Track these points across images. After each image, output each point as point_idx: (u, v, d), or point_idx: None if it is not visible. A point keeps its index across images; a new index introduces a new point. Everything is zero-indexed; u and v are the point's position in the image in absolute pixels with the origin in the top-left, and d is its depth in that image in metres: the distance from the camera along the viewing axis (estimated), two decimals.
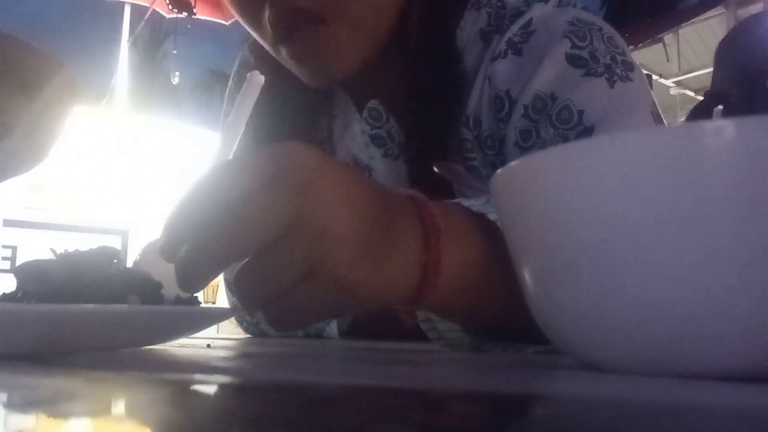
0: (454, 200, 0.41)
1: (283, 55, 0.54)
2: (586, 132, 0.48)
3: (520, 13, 0.55)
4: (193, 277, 0.31)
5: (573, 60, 0.50)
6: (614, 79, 0.50)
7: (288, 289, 0.31)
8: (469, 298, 0.38)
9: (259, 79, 0.37)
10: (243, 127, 0.40)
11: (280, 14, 0.50)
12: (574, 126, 0.49)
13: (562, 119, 0.49)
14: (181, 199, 0.32)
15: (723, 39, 1.37)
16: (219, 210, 0.30)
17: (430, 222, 0.35)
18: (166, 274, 0.36)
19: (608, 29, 0.53)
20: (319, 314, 0.35)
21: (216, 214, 0.30)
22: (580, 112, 0.49)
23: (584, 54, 0.50)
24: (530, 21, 0.54)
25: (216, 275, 0.32)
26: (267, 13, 0.51)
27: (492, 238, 0.36)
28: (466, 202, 0.40)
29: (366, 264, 0.32)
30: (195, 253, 0.30)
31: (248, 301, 0.32)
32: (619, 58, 0.51)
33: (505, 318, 0.37)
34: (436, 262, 0.35)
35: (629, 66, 0.51)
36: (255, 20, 0.53)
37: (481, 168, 0.56)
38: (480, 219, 0.38)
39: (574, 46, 0.51)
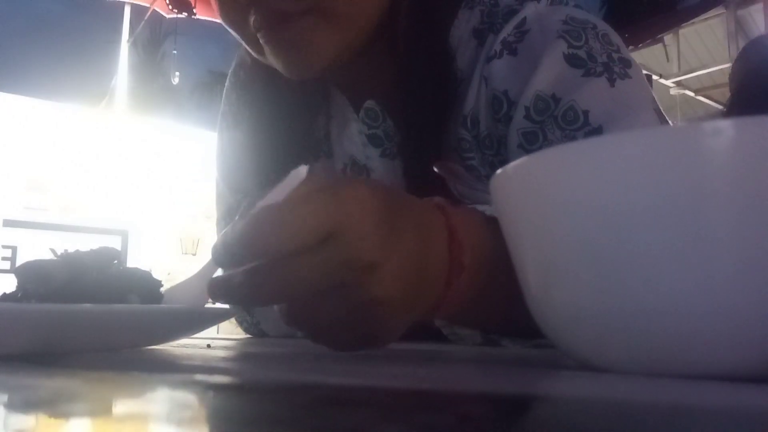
0: (471, 206, 0.42)
1: (263, 49, 0.54)
2: (594, 132, 0.48)
3: (513, 12, 0.55)
4: (229, 264, 0.32)
5: (571, 60, 0.50)
6: (614, 77, 0.50)
7: (310, 300, 0.32)
8: (482, 314, 0.40)
9: (302, 173, 0.33)
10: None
11: (264, 19, 0.50)
12: (581, 126, 0.49)
13: (568, 120, 0.49)
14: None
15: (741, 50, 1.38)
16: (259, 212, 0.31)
17: (457, 257, 0.37)
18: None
19: (602, 26, 0.53)
20: (336, 333, 0.35)
21: (255, 216, 0.31)
22: (585, 113, 0.49)
23: (581, 53, 0.51)
24: (524, 20, 0.54)
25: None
26: (252, 19, 0.51)
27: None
28: (480, 208, 0.41)
29: (400, 285, 0.33)
30: (228, 247, 0.31)
31: (258, 299, 0.32)
32: (615, 55, 0.51)
33: (515, 319, 0.38)
34: (452, 297, 0.37)
35: (627, 63, 0.52)
36: (240, 25, 0.53)
37: (480, 168, 0.56)
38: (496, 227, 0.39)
39: (570, 45, 0.51)
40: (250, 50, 0.56)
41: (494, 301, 0.38)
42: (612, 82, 0.50)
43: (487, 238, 0.38)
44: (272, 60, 0.54)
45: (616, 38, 0.53)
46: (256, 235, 0.30)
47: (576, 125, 0.49)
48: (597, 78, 0.50)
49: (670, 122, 0.53)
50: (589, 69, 0.50)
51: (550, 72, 0.50)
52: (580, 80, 0.50)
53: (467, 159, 0.56)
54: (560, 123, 0.50)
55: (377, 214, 0.32)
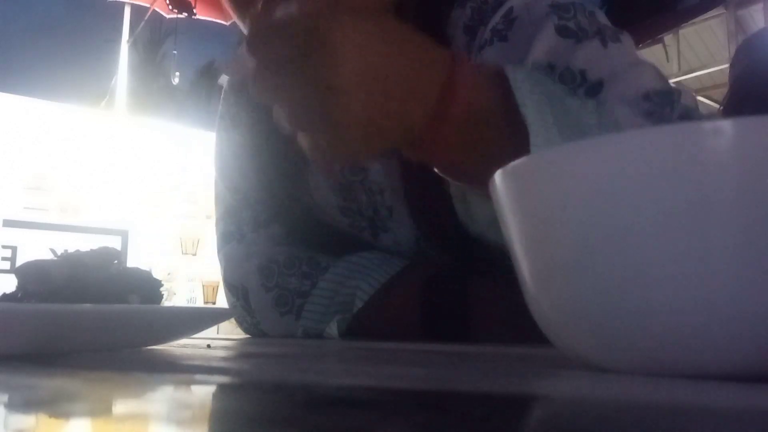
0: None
1: None
2: (596, 86, 0.49)
3: (500, 4, 0.56)
4: None
5: (562, 31, 0.52)
6: (606, 40, 0.51)
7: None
8: (468, 160, 0.42)
9: None
10: None
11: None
12: (580, 84, 0.49)
13: (565, 81, 0.50)
14: None
15: (741, 43, 1.38)
16: None
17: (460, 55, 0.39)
18: None
19: (589, 6, 0.54)
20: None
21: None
22: (582, 72, 0.50)
23: (571, 25, 0.51)
24: (511, 9, 0.55)
25: None
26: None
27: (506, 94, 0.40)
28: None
29: (359, 80, 0.36)
30: None
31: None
32: (605, 28, 0.52)
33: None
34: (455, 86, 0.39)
35: (617, 31, 0.52)
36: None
37: None
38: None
39: (560, 18, 0.52)
40: None
41: (482, 150, 0.40)
42: (605, 44, 0.50)
43: (488, 95, 0.41)
44: None
45: (603, 18, 0.54)
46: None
47: (574, 84, 0.49)
48: (589, 41, 0.50)
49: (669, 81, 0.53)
50: (581, 37, 0.51)
51: (543, 44, 0.52)
52: (573, 47, 0.51)
53: None
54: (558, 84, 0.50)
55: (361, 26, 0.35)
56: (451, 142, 0.40)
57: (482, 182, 0.44)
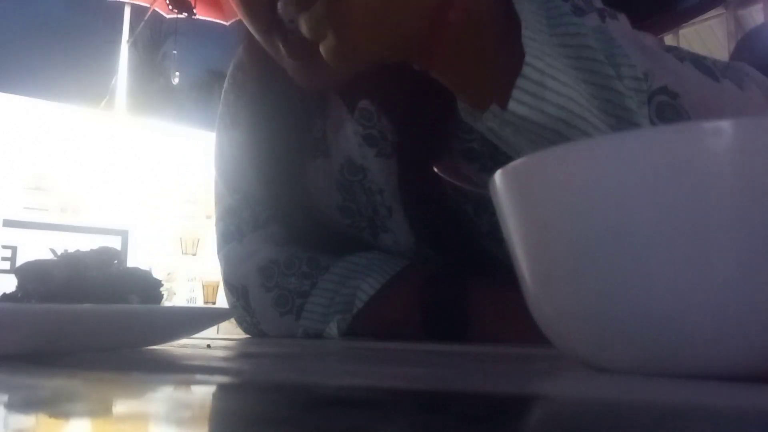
0: None
1: (278, 49, 0.53)
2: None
3: None
4: None
5: None
6: (605, 16, 0.51)
7: None
8: (469, 66, 0.43)
9: None
10: None
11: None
12: None
13: None
14: None
15: (741, 38, 1.38)
16: None
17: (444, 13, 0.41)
18: None
19: None
20: None
21: None
22: None
23: (568, 6, 0.52)
24: None
25: None
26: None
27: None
28: None
29: None
30: None
31: None
32: (602, 9, 0.52)
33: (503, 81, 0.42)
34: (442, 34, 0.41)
35: (615, 12, 0.53)
36: (261, 23, 0.53)
37: (481, 149, 0.56)
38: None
39: None
40: (267, 48, 0.55)
41: (481, 57, 0.43)
42: (603, 19, 0.50)
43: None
44: (287, 68, 0.54)
45: (599, 3, 0.54)
46: None
47: None
48: (588, 14, 0.50)
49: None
50: (579, 14, 0.51)
51: None
52: None
53: (467, 141, 0.56)
54: None
55: None
56: (450, 49, 0.42)
57: (481, 94, 0.45)
